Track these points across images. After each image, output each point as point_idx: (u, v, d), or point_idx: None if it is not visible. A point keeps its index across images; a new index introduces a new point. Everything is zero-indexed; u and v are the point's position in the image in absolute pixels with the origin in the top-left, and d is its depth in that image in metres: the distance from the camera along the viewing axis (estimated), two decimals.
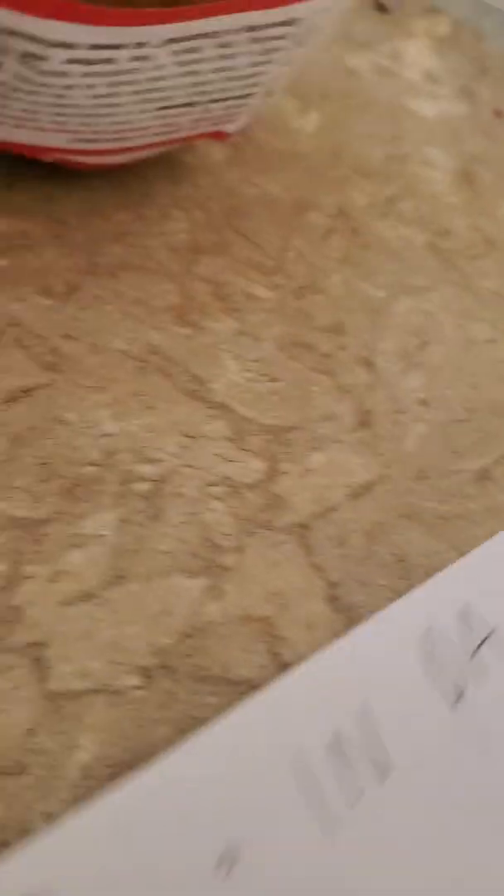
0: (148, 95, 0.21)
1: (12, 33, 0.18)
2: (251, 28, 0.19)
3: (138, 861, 0.17)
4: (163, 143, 0.25)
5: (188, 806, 0.17)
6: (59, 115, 0.21)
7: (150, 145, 0.24)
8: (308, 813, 0.18)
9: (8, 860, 0.16)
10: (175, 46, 0.19)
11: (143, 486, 0.21)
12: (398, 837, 0.18)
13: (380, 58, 0.35)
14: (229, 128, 0.25)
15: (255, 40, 0.20)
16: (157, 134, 0.24)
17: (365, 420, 0.24)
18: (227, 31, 0.19)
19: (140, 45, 0.19)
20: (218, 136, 0.25)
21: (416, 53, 0.35)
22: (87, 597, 0.19)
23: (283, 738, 0.18)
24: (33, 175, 0.26)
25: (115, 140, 0.23)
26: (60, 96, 0.20)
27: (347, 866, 0.18)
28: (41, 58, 0.19)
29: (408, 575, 0.22)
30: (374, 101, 0.33)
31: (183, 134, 0.24)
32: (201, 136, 0.25)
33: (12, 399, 0.22)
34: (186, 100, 0.22)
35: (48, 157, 0.24)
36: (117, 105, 0.21)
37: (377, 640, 0.20)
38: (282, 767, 0.18)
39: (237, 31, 0.19)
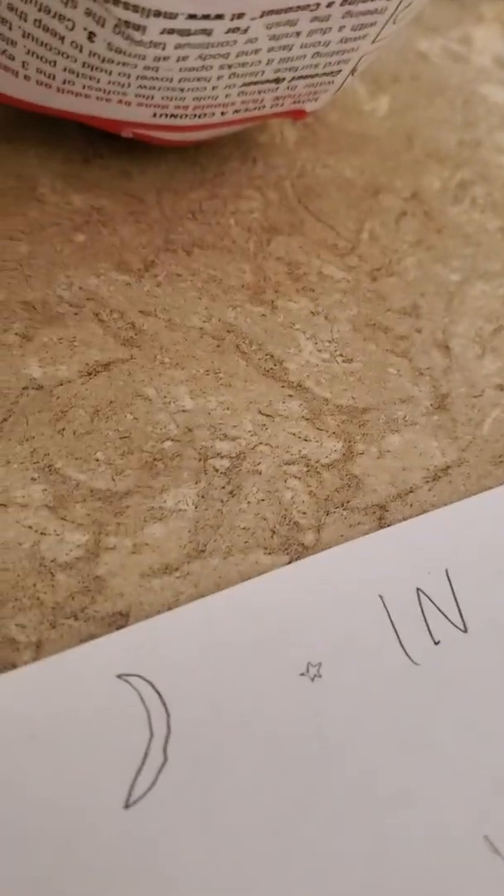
0: (237, 70, 0.21)
1: (110, 0, 0.18)
2: (348, 1, 0.19)
3: (228, 660, 0.18)
4: (242, 121, 0.24)
5: (278, 621, 0.19)
6: (145, 88, 0.21)
7: (230, 122, 0.24)
8: (395, 640, 0.19)
9: (106, 641, 0.18)
10: (271, 19, 0.19)
11: (222, 463, 0.21)
12: (478, 680, 0.19)
13: (450, 42, 0.34)
14: (310, 106, 0.24)
15: (351, 14, 0.20)
16: (238, 111, 0.23)
17: (441, 403, 0.24)
18: (325, 4, 0.19)
19: (238, 16, 0.19)
20: (297, 114, 0.25)
21: (487, 38, 0.35)
22: (168, 569, 0.19)
23: (371, 582, 0.20)
24: (109, 151, 0.26)
25: (197, 116, 0.23)
26: (150, 69, 0.20)
27: (429, 692, 0.19)
28: (137, 27, 0.19)
29: None
30: (444, 86, 0.32)
31: (265, 111, 0.24)
32: (281, 114, 0.25)
33: (92, 373, 0.22)
34: (274, 76, 0.22)
35: (128, 133, 0.24)
36: (205, 79, 0.21)
37: (470, 516, 0.22)
38: (370, 604, 0.20)
39: (334, 3, 0.19)
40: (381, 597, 0.20)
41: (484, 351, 0.25)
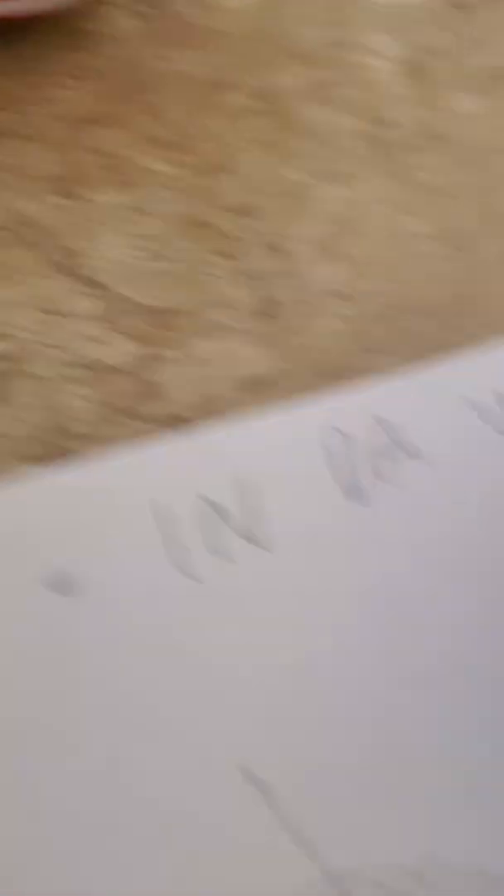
0: None
1: None
2: None
3: None
4: None
5: (22, 526, 0.16)
6: None
7: None
8: (174, 554, 0.16)
9: None
10: None
11: None
12: (271, 602, 0.16)
13: None
14: None
15: None
16: None
17: (266, 309, 0.20)
18: None
19: None
20: None
21: None
22: None
23: (150, 490, 0.17)
24: None
25: None
26: None
27: (211, 613, 0.16)
28: None
29: None
30: None
31: None
32: None
33: None
34: None
35: None
36: None
37: (279, 427, 0.19)
38: (145, 513, 0.16)
39: None
40: (160, 507, 0.17)
41: (325, 256, 0.22)
